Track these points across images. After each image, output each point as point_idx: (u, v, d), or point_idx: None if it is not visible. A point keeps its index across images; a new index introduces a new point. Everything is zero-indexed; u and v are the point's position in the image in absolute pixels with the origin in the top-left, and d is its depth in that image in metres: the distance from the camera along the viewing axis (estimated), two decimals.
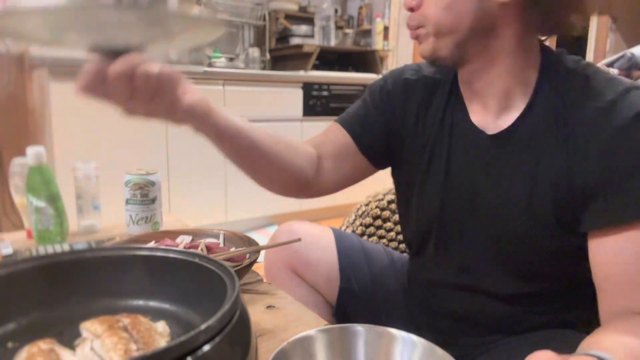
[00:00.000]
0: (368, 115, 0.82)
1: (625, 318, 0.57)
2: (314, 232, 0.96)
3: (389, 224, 1.19)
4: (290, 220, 1.02)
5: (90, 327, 0.41)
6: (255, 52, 3.07)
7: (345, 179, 0.85)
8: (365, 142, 0.82)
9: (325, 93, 2.91)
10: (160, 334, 0.43)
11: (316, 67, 3.07)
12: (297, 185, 0.81)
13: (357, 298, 0.94)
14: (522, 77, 0.66)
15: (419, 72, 0.81)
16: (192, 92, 0.58)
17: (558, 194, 0.63)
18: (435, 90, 0.77)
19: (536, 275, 0.70)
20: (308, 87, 2.85)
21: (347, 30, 3.44)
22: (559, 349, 0.58)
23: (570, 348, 0.59)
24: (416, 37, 0.69)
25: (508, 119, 0.68)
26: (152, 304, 0.51)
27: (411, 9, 0.67)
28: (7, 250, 0.85)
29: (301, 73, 2.90)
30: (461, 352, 0.76)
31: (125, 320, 0.42)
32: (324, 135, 0.87)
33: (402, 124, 0.80)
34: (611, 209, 0.58)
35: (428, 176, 0.76)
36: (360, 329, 0.52)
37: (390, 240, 1.20)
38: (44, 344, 0.39)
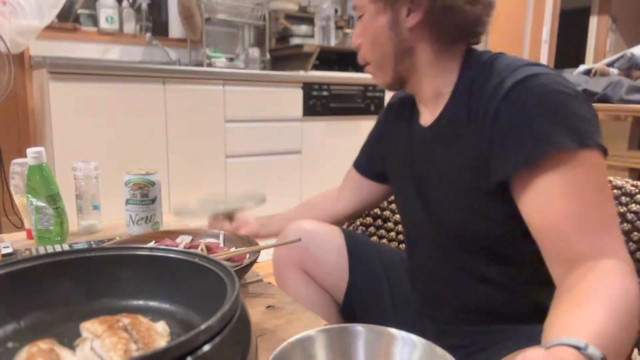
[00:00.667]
0: (370, 145, 1.02)
1: (575, 280, 0.58)
2: (323, 231, 0.98)
3: (389, 224, 1.19)
4: None
5: (90, 327, 0.41)
6: (255, 52, 3.07)
7: (364, 204, 1.06)
8: (372, 172, 1.01)
9: (325, 93, 2.91)
10: (160, 334, 0.43)
11: (316, 67, 3.07)
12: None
13: (365, 296, 0.94)
14: (447, 78, 0.77)
15: (397, 96, 0.96)
16: (247, 226, 1.09)
17: (479, 165, 0.71)
18: (404, 108, 0.91)
19: (504, 256, 0.75)
20: (308, 87, 2.85)
21: (347, 30, 3.44)
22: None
23: None
24: (369, 72, 0.83)
25: (433, 117, 0.80)
26: (152, 304, 0.51)
27: (358, 48, 0.81)
28: (7, 250, 0.85)
29: (301, 73, 2.90)
30: (463, 341, 0.78)
31: (125, 320, 0.42)
32: (344, 181, 1.09)
33: (385, 143, 0.95)
34: (509, 158, 0.66)
35: (403, 181, 0.88)
36: (360, 329, 0.52)
37: (391, 240, 1.20)
38: (44, 344, 0.39)
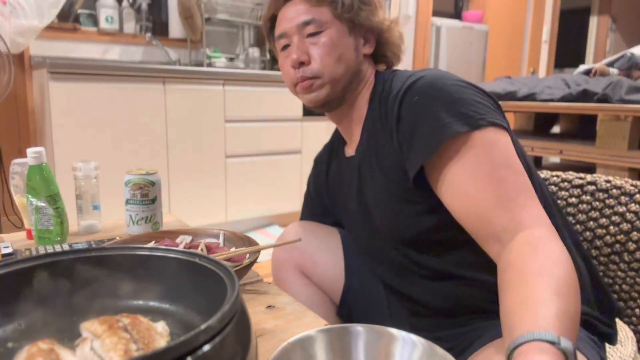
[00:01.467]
0: (312, 205, 1.07)
1: (510, 258, 0.58)
2: (321, 232, 0.98)
3: None
4: (289, 220, 1.04)
5: (90, 327, 0.41)
6: (255, 52, 3.08)
7: None
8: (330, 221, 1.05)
9: None
10: (160, 334, 0.43)
11: None
12: None
13: (361, 298, 0.94)
14: (366, 104, 0.85)
15: (325, 147, 1.03)
16: None
17: (400, 170, 0.75)
18: (329, 149, 1.00)
19: (454, 244, 0.76)
20: None
21: None
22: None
23: None
24: (309, 86, 0.82)
25: (359, 134, 0.86)
26: (152, 304, 0.51)
27: (302, 63, 0.81)
28: (7, 250, 0.85)
29: None
30: (448, 344, 0.78)
31: (125, 320, 0.42)
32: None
33: (325, 191, 1.02)
34: (415, 153, 0.71)
35: (350, 212, 0.93)
36: (360, 329, 0.52)
37: None
38: (43, 344, 0.39)
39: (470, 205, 0.65)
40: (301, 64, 0.82)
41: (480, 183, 0.64)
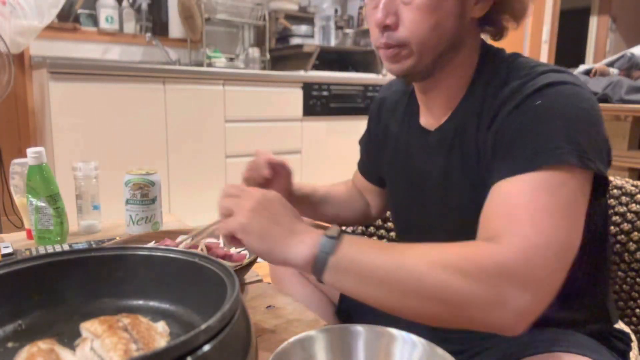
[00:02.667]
0: (367, 146, 0.97)
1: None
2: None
3: (389, 224, 1.19)
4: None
5: (90, 327, 0.41)
6: (255, 52, 3.07)
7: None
8: (373, 176, 0.97)
9: (325, 93, 2.91)
10: (160, 334, 0.43)
11: (316, 67, 3.07)
12: (362, 221, 1.04)
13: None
14: (466, 77, 0.72)
15: (390, 88, 0.90)
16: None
17: (478, 169, 0.68)
18: (399, 103, 0.86)
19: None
20: (308, 87, 2.85)
21: (347, 30, 3.44)
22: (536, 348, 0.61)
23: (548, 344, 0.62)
24: (394, 56, 0.69)
25: (442, 118, 0.75)
26: (152, 304, 0.51)
27: (387, 27, 0.66)
28: (7, 250, 0.85)
29: (301, 73, 2.90)
30: (461, 346, 0.77)
31: (125, 320, 0.42)
32: (354, 178, 1.05)
33: (379, 139, 0.90)
34: (504, 166, 0.60)
35: (397, 180, 0.86)
36: (360, 329, 0.52)
37: (391, 240, 1.20)
38: (43, 344, 0.39)
39: (509, 203, 0.57)
40: (386, 27, 0.67)
41: (538, 215, 0.54)
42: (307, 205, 0.92)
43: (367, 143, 0.97)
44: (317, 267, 0.54)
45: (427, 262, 0.52)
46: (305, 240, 0.55)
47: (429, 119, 0.78)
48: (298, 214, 0.61)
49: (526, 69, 0.65)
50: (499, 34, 0.73)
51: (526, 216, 0.54)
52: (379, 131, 0.90)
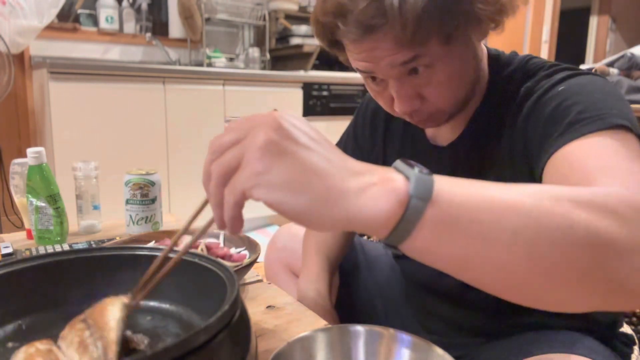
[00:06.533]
0: (354, 154, 0.86)
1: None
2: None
3: None
4: (289, 220, 1.02)
5: (62, 335, 0.41)
6: (255, 52, 3.07)
7: None
8: None
9: (325, 93, 2.91)
10: (114, 317, 0.41)
11: (316, 67, 3.07)
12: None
13: (356, 298, 0.93)
14: (478, 95, 0.69)
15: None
16: None
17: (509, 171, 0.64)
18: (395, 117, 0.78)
19: None
20: (308, 87, 2.85)
21: None
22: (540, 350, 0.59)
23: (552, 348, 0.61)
24: (425, 121, 0.66)
25: (456, 132, 0.71)
26: (152, 304, 0.51)
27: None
28: (7, 250, 0.85)
29: (301, 73, 2.90)
30: (458, 352, 0.77)
31: (87, 311, 0.42)
32: None
33: (376, 150, 0.85)
34: (563, 132, 0.55)
35: None
36: (360, 329, 0.52)
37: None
38: (41, 345, 0.39)
39: (583, 163, 0.50)
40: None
41: (624, 162, 0.47)
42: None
43: (355, 150, 0.89)
44: (406, 225, 0.33)
45: (568, 200, 0.36)
46: (377, 182, 0.34)
47: (439, 133, 0.74)
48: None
49: (543, 69, 0.64)
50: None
51: (615, 162, 0.47)
52: (374, 142, 0.85)
